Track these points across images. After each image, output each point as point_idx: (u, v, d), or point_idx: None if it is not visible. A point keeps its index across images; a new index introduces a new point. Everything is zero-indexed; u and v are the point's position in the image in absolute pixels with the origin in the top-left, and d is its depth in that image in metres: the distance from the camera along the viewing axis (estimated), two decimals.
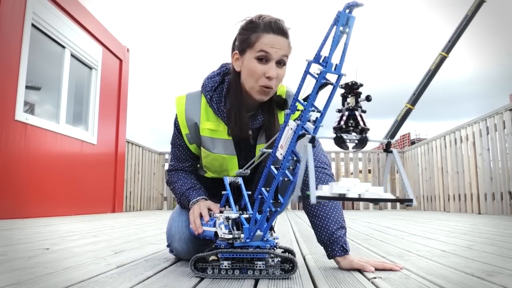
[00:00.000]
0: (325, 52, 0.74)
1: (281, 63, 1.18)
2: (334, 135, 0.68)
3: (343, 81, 0.72)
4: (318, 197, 0.63)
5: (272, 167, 0.93)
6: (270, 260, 1.01)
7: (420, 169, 7.28)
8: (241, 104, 1.24)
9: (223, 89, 1.27)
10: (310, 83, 0.79)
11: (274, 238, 1.08)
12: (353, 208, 7.87)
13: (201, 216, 1.16)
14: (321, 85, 0.77)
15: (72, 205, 4.72)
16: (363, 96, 0.69)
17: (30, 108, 4.27)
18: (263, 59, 1.16)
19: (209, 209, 1.17)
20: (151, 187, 7.56)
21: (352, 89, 0.70)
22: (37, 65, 4.30)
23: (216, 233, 1.07)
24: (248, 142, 1.31)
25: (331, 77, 0.76)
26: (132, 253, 1.49)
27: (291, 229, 2.76)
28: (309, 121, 0.81)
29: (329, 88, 0.78)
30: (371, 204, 8.16)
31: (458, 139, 5.87)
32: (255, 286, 0.94)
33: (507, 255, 1.43)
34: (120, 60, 6.26)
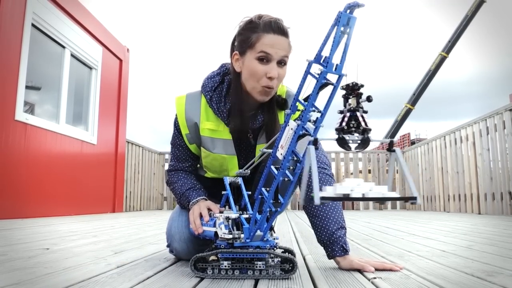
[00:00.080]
0: (325, 52, 0.74)
1: (282, 63, 1.18)
2: (337, 136, 0.68)
3: (344, 82, 0.72)
4: (322, 198, 0.63)
5: (272, 167, 0.93)
6: (270, 260, 1.01)
7: (420, 169, 7.29)
8: (242, 104, 1.24)
9: (223, 89, 1.27)
10: (310, 83, 0.79)
11: (274, 238, 1.08)
12: (353, 208, 7.87)
13: (201, 216, 1.16)
14: (321, 85, 0.77)
15: (72, 205, 4.72)
16: (364, 97, 0.69)
17: (30, 108, 4.27)
18: (264, 59, 1.15)
19: (209, 209, 1.17)
20: (151, 187, 7.56)
21: (353, 90, 0.70)
22: (37, 65, 4.30)
23: (216, 233, 1.07)
24: (248, 142, 1.31)
25: (332, 77, 0.76)
26: (132, 253, 1.49)
27: (291, 229, 2.76)
28: (309, 121, 0.81)
29: (329, 88, 0.78)
30: (371, 204, 8.17)
31: (458, 139, 5.87)
32: (255, 286, 0.94)
33: (507, 255, 1.43)
34: (120, 60, 6.26)
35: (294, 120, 0.83)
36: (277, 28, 1.15)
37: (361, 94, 0.70)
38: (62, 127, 4.63)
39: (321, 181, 1.22)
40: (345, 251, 1.15)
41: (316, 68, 0.77)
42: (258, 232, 1.02)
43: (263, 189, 0.97)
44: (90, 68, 5.45)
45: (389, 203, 7.48)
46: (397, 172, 7.48)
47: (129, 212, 6.28)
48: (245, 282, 0.98)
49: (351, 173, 7.95)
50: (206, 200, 1.25)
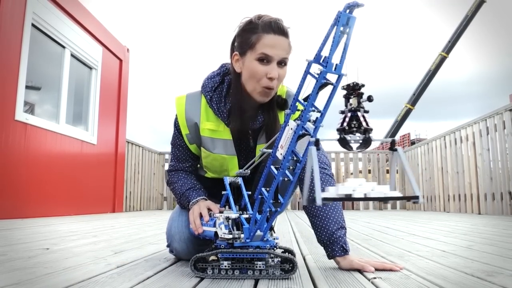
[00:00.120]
0: (325, 52, 0.74)
1: (282, 63, 1.18)
2: (338, 137, 0.68)
3: (344, 82, 0.72)
4: (324, 199, 0.62)
5: (272, 167, 0.93)
6: (270, 260, 1.01)
7: (420, 169, 7.28)
8: (242, 104, 1.24)
9: (223, 90, 1.27)
10: (310, 83, 0.79)
11: (274, 238, 1.08)
12: (353, 208, 7.87)
13: (201, 216, 1.16)
14: (321, 85, 0.77)
15: (72, 205, 4.72)
16: (365, 97, 0.69)
17: (30, 108, 4.27)
18: (264, 60, 1.15)
19: (209, 209, 1.17)
20: (151, 187, 7.56)
21: (354, 90, 0.70)
22: (37, 65, 4.30)
23: (216, 233, 1.07)
24: (248, 142, 1.31)
25: (331, 77, 0.76)
26: (132, 253, 1.49)
27: (291, 229, 2.76)
28: (309, 121, 0.81)
29: (329, 88, 0.78)
30: (371, 204, 8.16)
31: (458, 139, 5.87)
32: (255, 286, 0.94)
33: (507, 255, 1.43)
34: (120, 60, 6.26)
35: (294, 120, 0.83)
36: (277, 28, 1.15)
37: (362, 94, 0.69)
38: (62, 127, 4.63)
39: (321, 181, 1.22)
40: (345, 251, 1.14)
41: (315, 68, 0.77)
42: (258, 232, 1.02)
43: (263, 189, 0.97)
44: (90, 68, 5.45)
45: (389, 203, 7.48)
46: (397, 172, 7.48)
47: (129, 212, 6.27)
48: (245, 282, 0.98)
49: (351, 173, 7.95)
50: (206, 200, 1.25)
